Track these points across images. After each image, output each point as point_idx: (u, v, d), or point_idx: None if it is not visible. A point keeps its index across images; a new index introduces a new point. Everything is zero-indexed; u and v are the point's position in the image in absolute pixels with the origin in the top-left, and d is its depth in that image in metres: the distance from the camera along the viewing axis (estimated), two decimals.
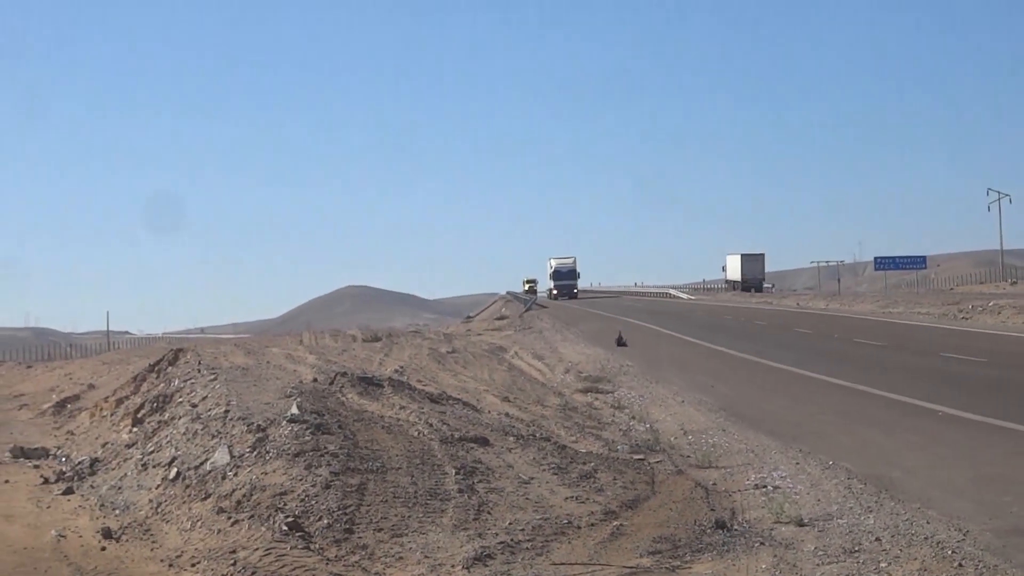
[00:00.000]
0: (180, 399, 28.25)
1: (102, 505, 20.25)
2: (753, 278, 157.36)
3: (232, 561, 15.30)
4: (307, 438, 19.99)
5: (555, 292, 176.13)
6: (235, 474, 18.87)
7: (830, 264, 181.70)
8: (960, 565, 13.89)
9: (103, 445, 28.00)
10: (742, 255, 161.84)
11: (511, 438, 23.08)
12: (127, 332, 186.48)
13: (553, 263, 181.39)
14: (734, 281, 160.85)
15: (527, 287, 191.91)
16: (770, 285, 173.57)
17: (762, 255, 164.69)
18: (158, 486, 19.96)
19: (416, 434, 21.91)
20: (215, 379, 29.26)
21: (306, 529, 16.28)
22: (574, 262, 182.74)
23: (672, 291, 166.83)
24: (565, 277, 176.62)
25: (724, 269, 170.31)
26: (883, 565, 14.07)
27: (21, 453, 28.81)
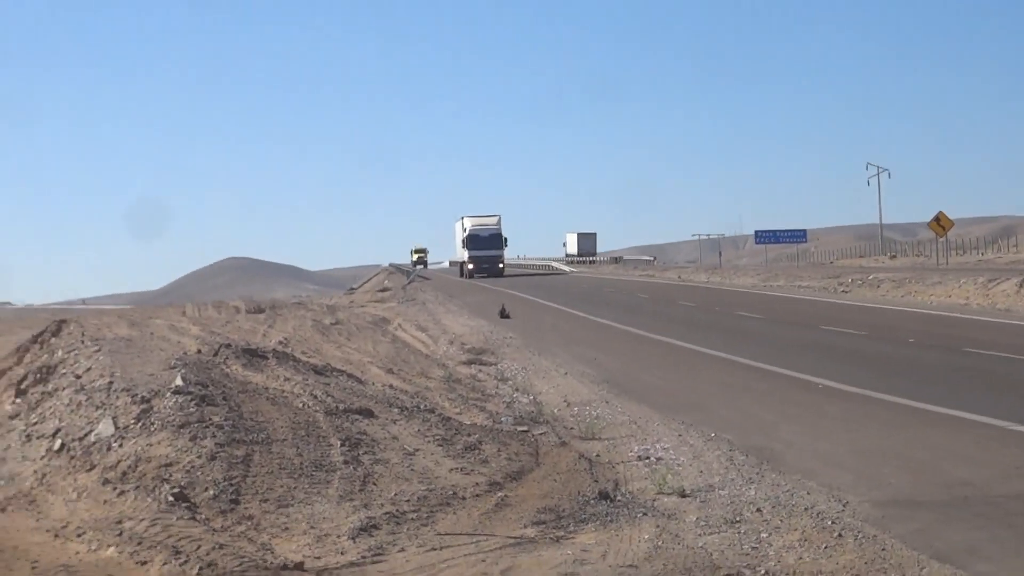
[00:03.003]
0: (64, 370, 28.07)
1: None
2: (585, 251, 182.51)
3: (118, 531, 15.24)
4: (192, 409, 19.94)
5: (471, 267, 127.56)
6: (120, 445, 18.80)
7: (711, 237, 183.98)
8: (840, 535, 14.05)
9: None
10: (578, 233, 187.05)
11: (396, 410, 23.11)
12: (8, 303, 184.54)
13: (467, 224, 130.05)
14: (572, 254, 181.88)
15: (416, 257, 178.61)
16: (651, 258, 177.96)
17: (594, 233, 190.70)
18: (42, 457, 19.85)
19: (301, 406, 21.91)
20: (99, 350, 29.11)
21: (192, 500, 16.27)
22: (498, 222, 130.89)
23: (554, 263, 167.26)
24: (486, 245, 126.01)
25: (564, 244, 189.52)
26: (764, 535, 14.23)
27: None
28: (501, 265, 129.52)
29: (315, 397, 22.88)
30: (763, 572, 12.77)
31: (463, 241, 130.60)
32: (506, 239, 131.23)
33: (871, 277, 74.40)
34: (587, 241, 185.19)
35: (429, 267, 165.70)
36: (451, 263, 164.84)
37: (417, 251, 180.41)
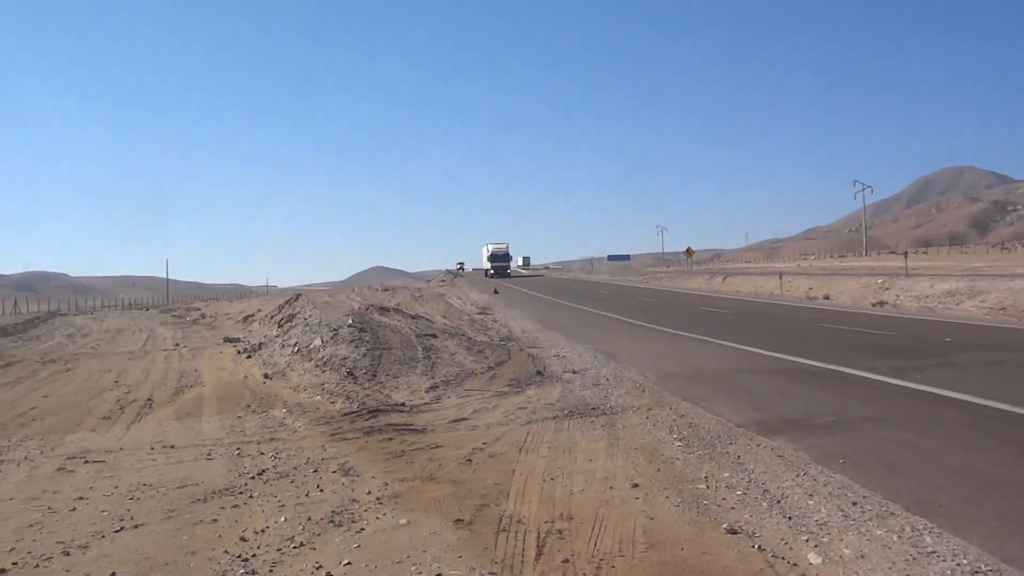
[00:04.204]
0: (299, 316, 28.00)
1: (264, 363, 20.03)
2: (527, 265, 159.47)
3: (321, 388, 15.22)
4: (356, 334, 19.92)
5: (491, 272, 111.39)
6: (324, 349, 18.76)
7: (591, 257, 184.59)
8: (643, 390, 14.06)
9: (264, 336, 27.73)
10: (523, 256, 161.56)
11: (447, 334, 23.04)
12: (275, 285, 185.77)
13: (490, 247, 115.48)
14: (520, 266, 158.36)
15: (458, 266, 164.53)
16: (560, 267, 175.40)
17: (529, 256, 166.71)
18: (289, 355, 19.79)
19: (405, 332, 21.83)
20: (315, 307, 29.05)
21: (355, 375, 16.23)
22: (508, 247, 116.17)
23: (520, 270, 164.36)
24: (501, 259, 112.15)
25: (519, 261, 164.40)
26: (609, 391, 14.21)
27: (227, 339, 28.55)
28: (509, 271, 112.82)
29: (411, 329, 22.82)
30: (610, 405, 12.77)
31: (488, 256, 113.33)
32: (511, 255, 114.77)
33: (659, 276, 74.58)
34: (527, 260, 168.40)
35: (464, 271, 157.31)
36: (474, 269, 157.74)
37: (459, 263, 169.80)
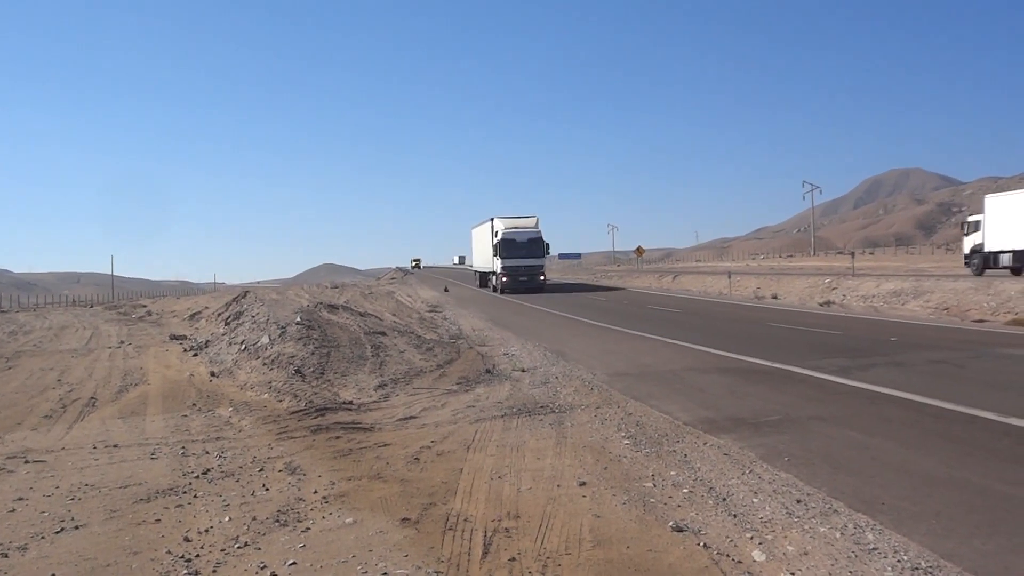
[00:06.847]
0: (247, 313, 27.71)
1: (210, 361, 19.81)
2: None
3: (269, 386, 15.09)
4: (304, 332, 19.80)
5: (504, 279, 47.82)
6: (271, 347, 18.61)
7: None
8: (592, 388, 14.13)
9: (211, 334, 27.36)
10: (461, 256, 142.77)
11: (396, 332, 22.97)
12: (224, 282, 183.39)
13: (499, 228, 47.95)
14: (472, 264, 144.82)
15: (413, 264, 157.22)
16: None
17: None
18: (236, 352, 19.58)
19: (353, 330, 21.74)
20: (262, 304, 28.77)
21: (303, 373, 16.12)
22: (536, 224, 48.95)
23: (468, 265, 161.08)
24: (524, 252, 47.34)
25: (465, 259, 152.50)
26: (558, 389, 14.26)
27: (174, 337, 28.18)
28: (542, 278, 50.11)
29: (360, 327, 22.74)
30: (559, 403, 12.81)
31: (496, 245, 49.07)
32: (548, 245, 50.31)
33: (610, 274, 75.05)
34: (463, 259, 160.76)
35: (420, 269, 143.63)
36: (427, 267, 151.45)
37: (414, 260, 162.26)
